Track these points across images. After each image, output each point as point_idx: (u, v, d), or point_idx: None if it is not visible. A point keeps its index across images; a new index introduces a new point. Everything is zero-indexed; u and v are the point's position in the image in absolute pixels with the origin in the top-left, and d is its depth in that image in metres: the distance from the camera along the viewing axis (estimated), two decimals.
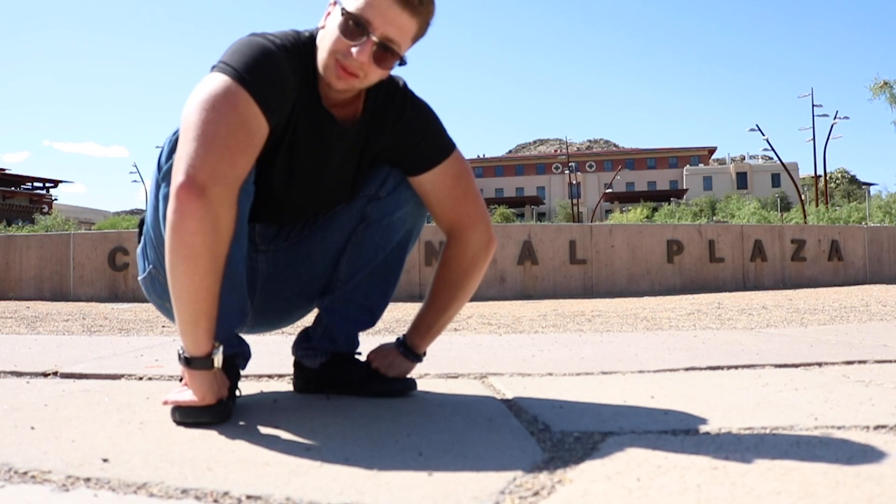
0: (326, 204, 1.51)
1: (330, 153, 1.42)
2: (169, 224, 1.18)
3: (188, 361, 1.25)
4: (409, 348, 1.57)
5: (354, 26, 1.25)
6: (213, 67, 1.25)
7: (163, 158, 1.32)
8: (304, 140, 1.38)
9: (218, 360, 1.27)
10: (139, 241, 1.51)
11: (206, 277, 1.19)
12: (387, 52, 1.27)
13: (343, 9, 1.27)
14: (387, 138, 1.45)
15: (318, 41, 1.33)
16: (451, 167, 1.48)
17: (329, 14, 1.32)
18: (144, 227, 1.45)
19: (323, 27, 1.33)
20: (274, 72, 1.26)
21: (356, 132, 1.42)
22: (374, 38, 1.25)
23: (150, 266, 1.44)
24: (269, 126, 1.26)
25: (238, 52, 1.25)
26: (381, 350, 1.58)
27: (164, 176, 1.31)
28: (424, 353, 1.59)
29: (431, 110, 1.49)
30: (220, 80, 1.22)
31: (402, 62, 1.32)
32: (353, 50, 1.26)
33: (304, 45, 1.34)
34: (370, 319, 1.58)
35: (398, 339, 1.59)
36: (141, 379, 1.82)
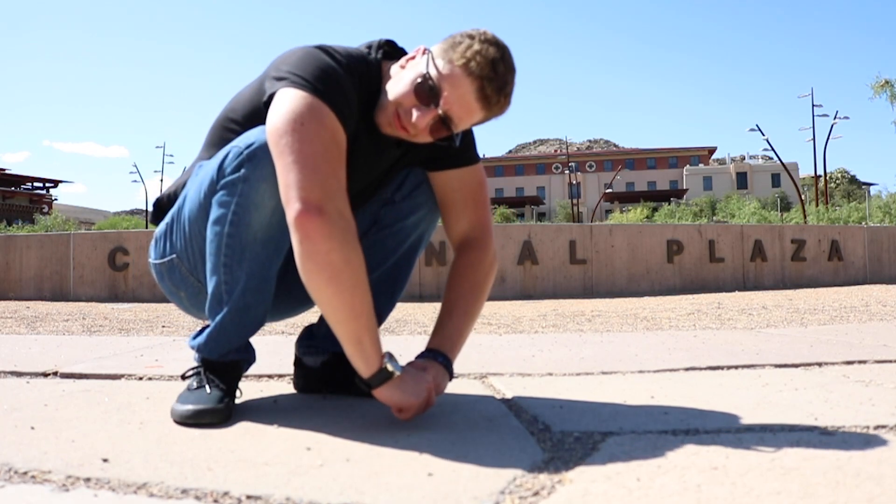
0: (356, 208, 1.51)
1: (379, 169, 1.43)
2: (302, 254, 1.16)
3: (369, 385, 1.22)
4: (449, 360, 1.38)
5: (428, 92, 1.25)
6: (286, 80, 1.23)
7: (227, 165, 1.29)
8: (361, 154, 1.37)
9: (392, 366, 1.21)
10: (155, 220, 1.50)
11: (354, 293, 1.17)
12: (443, 126, 1.28)
13: (427, 73, 1.25)
14: (424, 149, 1.44)
15: (393, 75, 1.32)
16: (478, 173, 1.49)
17: (414, 58, 1.31)
18: (177, 216, 1.42)
19: (404, 66, 1.31)
20: (342, 86, 1.25)
21: (397, 145, 1.42)
22: (440, 112, 1.25)
23: (174, 255, 1.43)
24: (347, 137, 1.25)
25: (306, 66, 1.24)
26: (422, 366, 1.33)
27: (225, 185, 1.28)
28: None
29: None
30: (301, 97, 1.20)
31: (452, 141, 1.31)
32: (415, 113, 1.26)
33: (367, 65, 1.33)
34: (377, 322, 1.57)
35: (432, 350, 1.38)
36: (141, 379, 1.82)
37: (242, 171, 1.26)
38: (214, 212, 1.30)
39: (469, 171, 1.47)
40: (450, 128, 1.28)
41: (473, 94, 1.24)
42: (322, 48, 1.30)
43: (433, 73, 1.25)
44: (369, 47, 1.39)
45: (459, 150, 1.44)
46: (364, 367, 1.21)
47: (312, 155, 1.17)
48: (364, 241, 1.51)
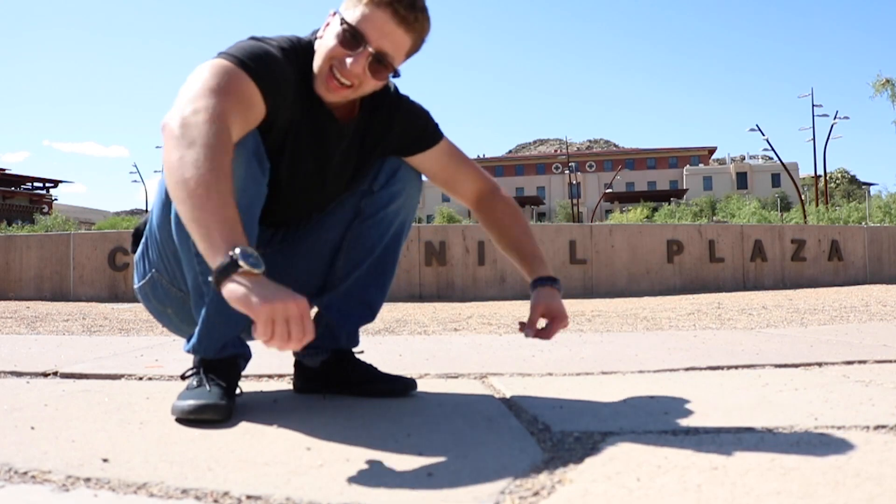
0: (325, 203, 1.53)
1: (331, 152, 1.44)
2: (164, 169, 1.15)
3: (217, 281, 1.02)
4: (552, 278, 1.54)
5: (351, 38, 1.30)
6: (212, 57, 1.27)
7: None
8: (307, 140, 1.40)
9: (245, 262, 1.01)
10: (134, 249, 1.51)
11: (208, 190, 1.05)
12: (381, 65, 1.32)
13: (342, 19, 1.31)
14: (382, 133, 1.49)
15: (317, 48, 1.36)
16: (447, 145, 1.58)
17: (328, 24, 1.36)
18: (148, 229, 1.45)
19: (321, 37, 1.36)
20: (273, 65, 1.29)
21: (353, 130, 1.46)
22: (371, 50, 1.30)
23: (153, 270, 1.44)
24: (265, 106, 1.27)
25: (237, 47, 1.28)
26: (544, 300, 1.50)
27: None
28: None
29: (420, 105, 1.56)
30: (217, 62, 1.24)
31: (396, 74, 1.37)
32: (349, 60, 1.30)
33: (303, 48, 1.38)
34: (370, 314, 1.59)
35: (542, 278, 1.53)
36: (141, 379, 1.82)
37: None
38: (175, 209, 1.30)
39: (441, 148, 1.56)
40: (387, 64, 1.33)
41: (391, 21, 1.29)
42: (255, 38, 1.34)
43: (347, 18, 1.30)
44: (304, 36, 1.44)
45: (420, 135, 1.53)
46: (210, 255, 1.03)
47: (200, 85, 1.18)
48: (349, 233, 1.55)
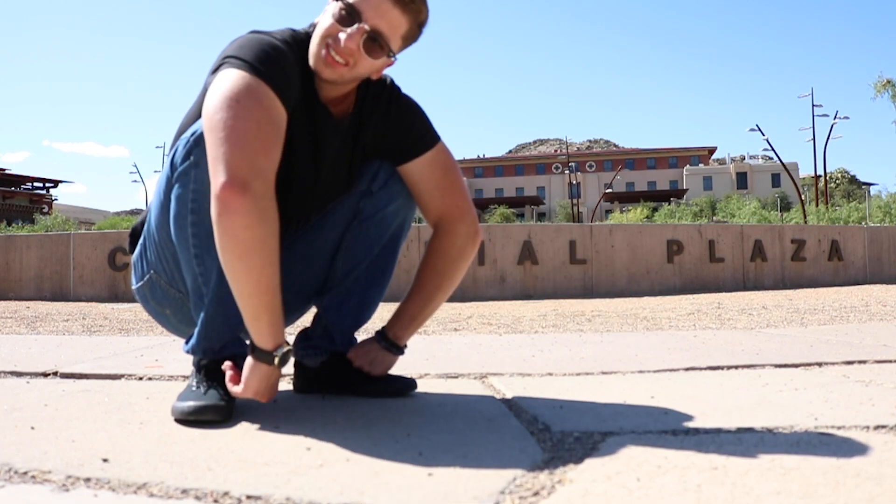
0: (322, 202, 1.52)
1: (325, 148, 1.44)
2: (217, 225, 1.17)
3: (253, 349, 1.26)
4: (391, 341, 1.54)
5: (347, 15, 1.30)
6: (225, 63, 1.26)
7: (177, 159, 1.31)
8: (301, 135, 1.39)
9: (279, 360, 1.26)
10: (132, 249, 1.51)
11: (263, 271, 1.20)
12: (376, 44, 1.32)
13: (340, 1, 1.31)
14: (376, 130, 1.48)
15: (314, 34, 1.37)
16: (438, 158, 1.51)
17: (326, 11, 1.36)
18: (146, 230, 1.45)
19: (318, 23, 1.36)
20: (284, 63, 1.29)
21: (348, 126, 1.45)
22: (366, 27, 1.29)
23: (151, 271, 1.44)
24: (287, 116, 1.28)
25: (247, 47, 1.27)
26: (361, 347, 1.55)
27: (178, 177, 1.30)
28: (406, 346, 1.58)
29: (417, 104, 1.53)
30: (238, 76, 1.23)
31: (391, 56, 1.35)
32: (342, 36, 1.30)
33: (301, 41, 1.37)
34: (368, 314, 1.59)
35: (377, 332, 1.56)
36: (141, 379, 1.82)
37: (192, 157, 1.28)
38: (174, 207, 1.31)
39: (429, 161, 1.49)
40: (382, 44, 1.32)
41: (387, 1, 1.29)
42: (257, 32, 1.33)
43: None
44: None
45: (413, 139, 1.48)
46: (258, 340, 1.26)
47: (245, 132, 1.18)
48: (348, 234, 1.54)
